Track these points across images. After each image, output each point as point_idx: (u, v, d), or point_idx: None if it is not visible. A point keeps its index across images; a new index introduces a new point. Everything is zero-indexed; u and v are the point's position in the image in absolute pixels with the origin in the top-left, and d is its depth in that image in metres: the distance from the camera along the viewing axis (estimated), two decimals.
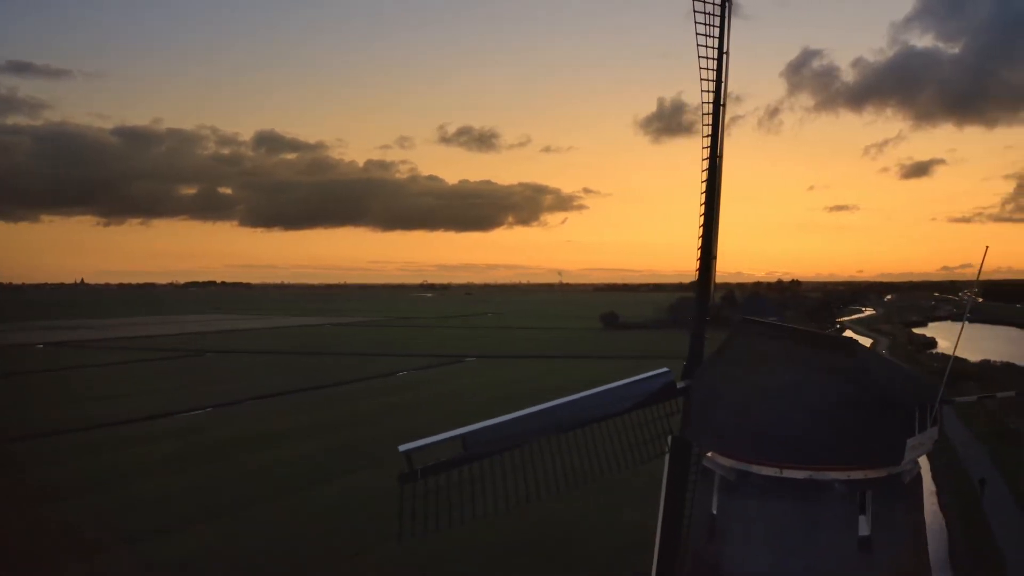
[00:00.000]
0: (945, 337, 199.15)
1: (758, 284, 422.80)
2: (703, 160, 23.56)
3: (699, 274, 24.42)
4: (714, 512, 22.12)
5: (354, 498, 50.06)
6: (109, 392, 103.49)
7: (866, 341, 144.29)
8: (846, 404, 20.48)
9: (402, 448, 18.29)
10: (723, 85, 23.51)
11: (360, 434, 72.68)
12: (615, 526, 43.18)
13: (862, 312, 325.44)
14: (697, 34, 22.89)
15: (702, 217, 23.84)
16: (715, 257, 24.29)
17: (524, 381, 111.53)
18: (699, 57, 23.06)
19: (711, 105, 23.38)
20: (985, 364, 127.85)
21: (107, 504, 50.24)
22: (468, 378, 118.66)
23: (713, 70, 23.30)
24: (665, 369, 23.68)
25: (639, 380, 23.09)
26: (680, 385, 23.68)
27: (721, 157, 23.69)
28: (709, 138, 23.54)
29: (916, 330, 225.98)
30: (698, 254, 24.16)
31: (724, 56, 23.42)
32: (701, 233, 23.89)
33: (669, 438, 23.63)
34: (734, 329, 23.91)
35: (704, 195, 23.62)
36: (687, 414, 23.61)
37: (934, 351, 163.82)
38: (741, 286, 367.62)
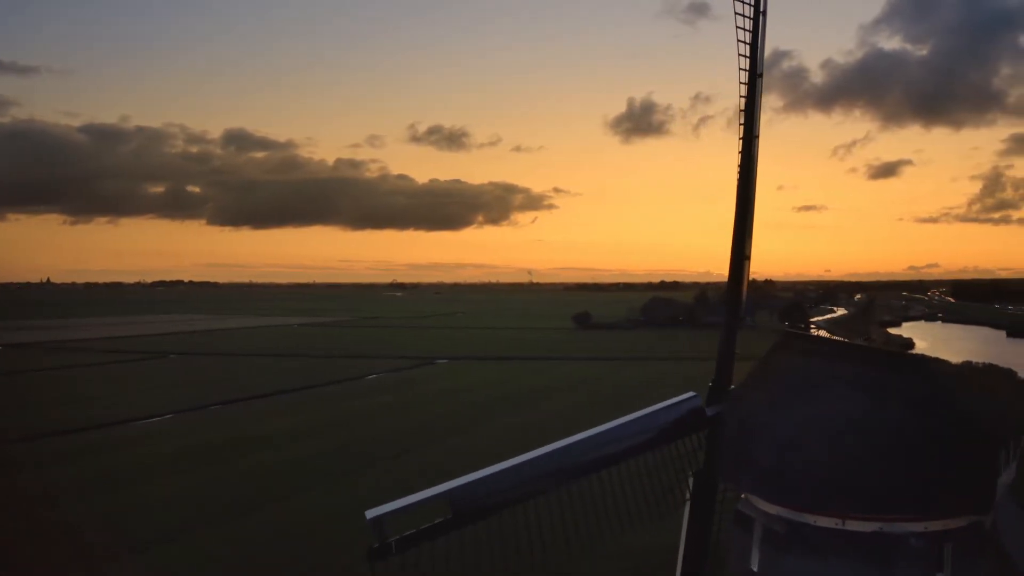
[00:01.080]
0: (921, 338, 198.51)
1: None
2: (739, 139, 19.44)
3: (730, 278, 20.27)
4: (755, 569, 18.01)
5: (357, 499, 46.54)
6: (100, 393, 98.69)
7: None
8: (925, 440, 16.44)
9: (369, 515, 13.75)
10: (760, 52, 19.48)
11: (359, 434, 71.14)
12: (620, 549, 39.70)
13: (834, 312, 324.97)
14: None
15: (735, 211, 19.70)
16: (748, 257, 20.21)
17: (512, 381, 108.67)
18: (735, 15, 18.98)
19: (747, 73, 19.32)
20: (967, 365, 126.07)
21: (108, 507, 47.90)
22: (459, 378, 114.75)
23: (749, 31, 19.22)
24: (692, 394, 19.48)
25: (661, 409, 18.92)
26: (709, 413, 19.59)
27: (759, 138, 19.65)
28: (744, 112, 19.47)
29: (891, 330, 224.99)
30: (730, 255, 20.08)
31: (761, 17, 19.37)
32: (734, 230, 19.72)
33: (691, 477, 19.67)
34: (775, 344, 19.71)
35: (738, 183, 19.48)
36: (714, 446, 19.57)
37: (912, 352, 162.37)
38: (713, 286, 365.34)
